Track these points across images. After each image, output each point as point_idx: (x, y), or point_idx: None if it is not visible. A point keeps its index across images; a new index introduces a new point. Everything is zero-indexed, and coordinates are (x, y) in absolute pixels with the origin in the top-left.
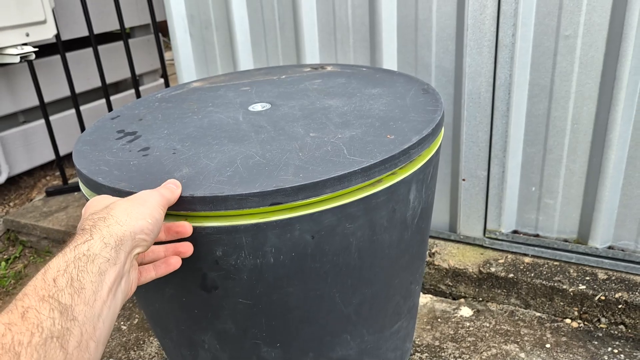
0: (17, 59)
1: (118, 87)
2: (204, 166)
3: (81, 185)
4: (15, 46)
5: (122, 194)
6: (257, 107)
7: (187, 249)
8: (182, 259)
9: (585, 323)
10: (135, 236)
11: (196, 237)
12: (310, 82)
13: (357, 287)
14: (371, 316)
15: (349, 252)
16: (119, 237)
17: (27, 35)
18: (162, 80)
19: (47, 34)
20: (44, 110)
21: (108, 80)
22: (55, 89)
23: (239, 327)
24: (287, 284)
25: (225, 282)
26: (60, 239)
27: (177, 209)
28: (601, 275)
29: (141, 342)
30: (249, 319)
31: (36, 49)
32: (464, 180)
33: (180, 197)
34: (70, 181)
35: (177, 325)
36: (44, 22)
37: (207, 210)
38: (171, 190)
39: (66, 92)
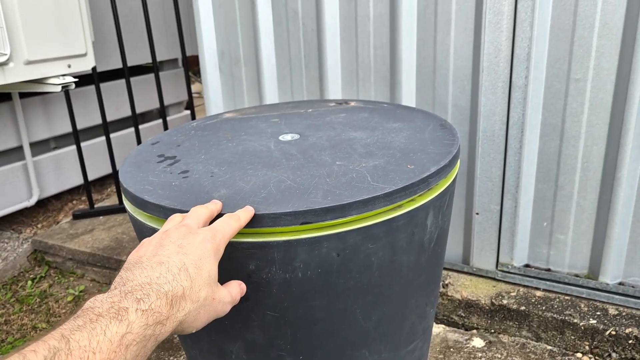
0: (58, 88)
1: (144, 117)
2: (240, 188)
3: (126, 203)
4: (57, 76)
5: (166, 210)
6: (287, 137)
7: None
8: (218, 272)
9: (596, 357)
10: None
11: (232, 251)
12: (335, 115)
13: (376, 304)
14: (388, 333)
15: (371, 271)
16: (136, 333)
17: (69, 66)
18: (186, 112)
19: (87, 65)
20: (76, 137)
21: (137, 111)
22: (86, 117)
23: (266, 338)
24: (312, 298)
25: (256, 294)
26: (86, 261)
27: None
28: (612, 310)
29: None
30: (276, 330)
31: (76, 80)
32: (477, 214)
33: (221, 214)
34: (96, 205)
35: (208, 335)
36: (84, 55)
37: (244, 227)
38: (235, 224)
39: (95, 121)
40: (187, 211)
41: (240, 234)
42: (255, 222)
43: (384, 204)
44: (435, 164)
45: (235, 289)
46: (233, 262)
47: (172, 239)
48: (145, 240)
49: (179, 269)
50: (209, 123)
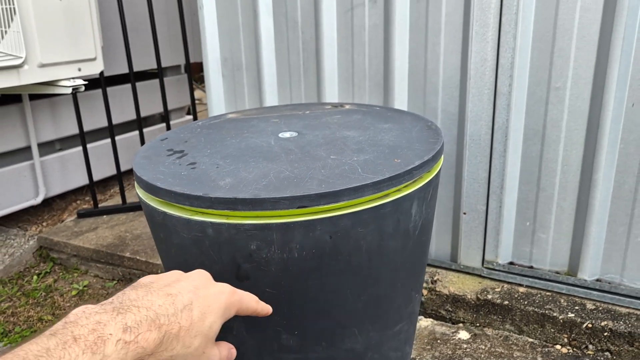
0: (69, 90)
1: (147, 121)
2: (243, 177)
3: (139, 190)
4: (68, 79)
5: (176, 195)
6: (286, 134)
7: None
8: (222, 253)
9: (574, 349)
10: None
11: (235, 233)
12: (331, 117)
13: (365, 285)
14: (376, 314)
15: (360, 253)
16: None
17: (79, 70)
18: (187, 117)
19: (96, 69)
20: (82, 139)
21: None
22: (91, 120)
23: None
24: (307, 277)
25: (256, 273)
26: (89, 257)
27: (222, 208)
28: (589, 305)
29: None
30: (273, 307)
31: (86, 82)
32: (464, 214)
33: (225, 198)
34: (100, 205)
35: None
36: (94, 59)
37: (246, 210)
38: (255, 304)
39: (100, 124)
40: (195, 196)
41: (242, 216)
42: (257, 205)
43: (372, 192)
44: (419, 159)
45: (225, 352)
46: (236, 242)
47: (191, 279)
48: (172, 272)
49: (184, 306)
50: (214, 122)
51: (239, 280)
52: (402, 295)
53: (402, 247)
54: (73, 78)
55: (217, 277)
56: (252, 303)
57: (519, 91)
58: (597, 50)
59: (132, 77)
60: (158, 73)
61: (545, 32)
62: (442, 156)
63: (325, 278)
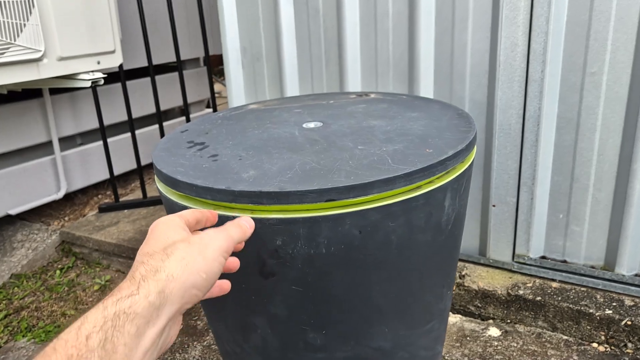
0: (88, 84)
1: (166, 115)
2: (267, 169)
3: (159, 184)
4: (87, 72)
5: (198, 189)
6: (310, 125)
7: (234, 265)
8: (247, 248)
9: (612, 347)
10: (186, 292)
11: (260, 227)
12: (355, 106)
13: (394, 280)
14: (405, 310)
15: (389, 248)
16: (166, 296)
17: (98, 63)
18: (207, 110)
19: (115, 62)
20: (103, 133)
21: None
22: (112, 114)
23: (289, 312)
24: (334, 273)
25: (282, 269)
26: (111, 252)
27: (246, 202)
28: (628, 301)
29: (186, 346)
30: (299, 305)
31: (105, 75)
32: (494, 206)
33: (249, 191)
34: (121, 199)
35: (233, 310)
36: (113, 52)
37: (271, 204)
38: (243, 229)
39: (119, 118)
40: (218, 189)
41: (268, 210)
42: (283, 199)
43: (404, 184)
44: (452, 148)
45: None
46: (261, 237)
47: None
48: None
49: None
50: (235, 113)
51: (263, 277)
52: (432, 292)
53: (433, 241)
54: (92, 71)
55: (240, 274)
56: (237, 239)
57: (551, 77)
58: (637, 33)
59: (152, 70)
60: (177, 66)
61: (581, 14)
62: (475, 146)
63: (353, 274)
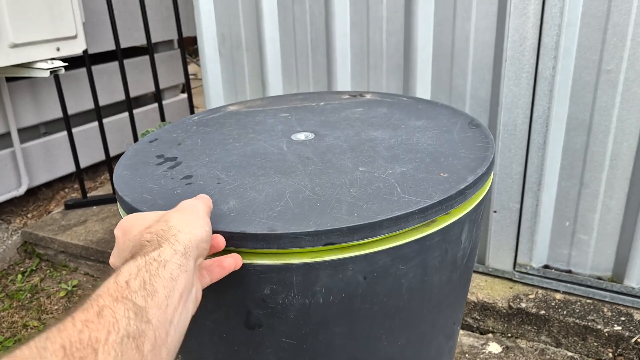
0: (47, 73)
1: (139, 101)
2: (251, 199)
3: (122, 213)
4: (45, 60)
5: None
6: (301, 136)
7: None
8: (228, 296)
9: None
10: (199, 245)
11: (244, 274)
12: (351, 110)
13: (404, 328)
14: (414, 357)
15: (400, 294)
16: (186, 245)
17: (58, 49)
18: (183, 96)
19: (77, 48)
20: (67, 123)
21: (130, 94)
22: (77, 101)
23: None
24: (334, 324)
25: (271, 320)
26: (78, 254)
27: (228, 245)
28: (637, 316)
29: None
30: (293, 358)
31: (66, 64)
32: (495, 212)
33: (232, 233)
34: (89, 194)
35: None
36: (74, 37)
37: (258, 247)
38: (207, 199)
39: (88, 105)
40: None
41: (254, 254)
42: (272, 243)
43: (419, 221)
44: (471, 172)
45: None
46: (244, 285)
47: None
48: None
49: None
50: (212, 117)
51: (248, 328)
52: (444, 331)
53: (447, 280)
54: (51, 59)
55: (221, 324)
56: (209, 206)
57: (563, 75)
58: None
59: (120, 55)
60: (148, 49)
61: (598, 5)
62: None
63: (357, 324)
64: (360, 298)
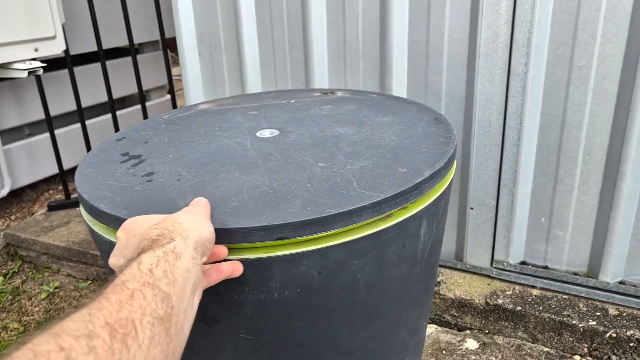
0: (24, 74)
1: (125, 102)
2: (209, 195)
3: (82, 212)
4: (23, 61)
5: (123, 222)
6: (266, 133)
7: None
8: None
9: None
10: (205, 243)
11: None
12: (319, 107)
13: (363, 323)
14: (378, 352)
15: (357, 288)
16: (195, 241)
17: (36, 50)
18: (169, 97)
19: (56, 49)
20: (49, 124)
21: (115, 95)
22: (62, 102)
23: None
24: (291, 320)
25: (228, 315)
26: (60, 255)
27: None
28: (612, 311)
29: None
30: (252, 354)
31: (44, 64)
32: (471, 209)
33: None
34: (72, 196)
35: None
36: (53, 37)
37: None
38: (206, 204)
39: (73, 106)
40: None
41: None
42: (224, 236)
43: (372, 215)
44: (429, 167)
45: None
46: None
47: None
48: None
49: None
50: (182, 116)
51: (206, 324)
52: (407, 326)
53: (407, 275)
54: (29, 60)
55: None
56: (209, 213)
57: (536, 71)
58: (630, 22)
59: (102, 55)
60: (130, 49)
61: (569, 1)
62: (455, 160)
63: (315, 319)
64: (317, 293)
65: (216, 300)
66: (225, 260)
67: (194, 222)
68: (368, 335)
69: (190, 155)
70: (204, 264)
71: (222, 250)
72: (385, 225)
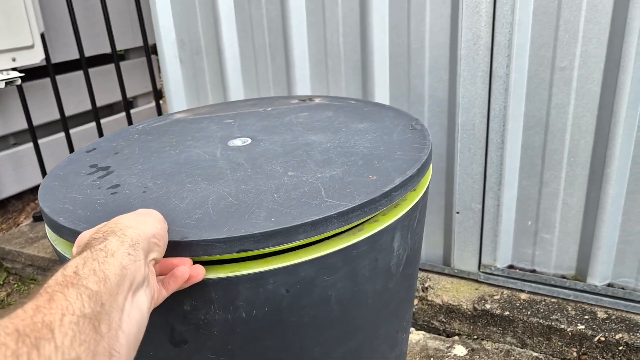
0: (2, 85)
1: (113, 109)
2: (173, 207)
3: (46, 226)
4: (0, 71)
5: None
6: (237, 142)
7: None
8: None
9: None
10: (149, 240)
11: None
12: (295, 115)
13: (339, 339)
14: None
15: (329, 305)
16: (134, 238)
17: (14, 60)
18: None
19: (34, 58)
20: (32, 133)
21: (102, 102)
22: (47, 111)
23: None
24: (262, 339)
25: (195, 336)
26: (46, 267)
27: None
28: (601, 314)
29: None
30: None
31: (22, 74)
32: (458, 213)
33: None
34: None
35: None
36: (31, 46)
37: (172, 256)
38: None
39: (57, 115)
40: None
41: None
42: (184, 249)
43: (339, 225)
44: (400, 174)
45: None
46: (164, 301)
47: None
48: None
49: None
50: (156, 125)
51: (173, 345)
52: (387, 341)
53: (382, 289)
54: (7, 70)
55: (146, 341)
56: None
57: (518, 73)
58: (611, 23)
59: (84, 62)
60: (112, 55)
61: (549, 2)
62: (431, 166)
63: (286, 337)
64: (286, 311)
65: (182, 321)
66: None
67: (136, 220)
68: (345, 351)
69: (159, 166)
70: (161, 271)
71: (183, 261)
72: (355, 239)
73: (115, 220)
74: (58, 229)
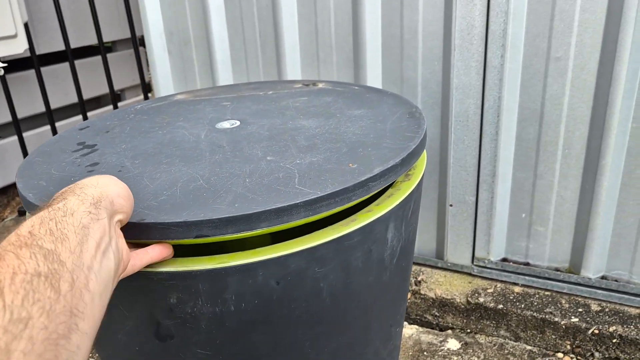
0: None
1: (100, 101)
2: (142, 187)
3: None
4: None
5: None
6: (225, 124)
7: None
8: (136, 306)
9: (579, 357)
10: (113, 199)
11: (148, 282)
12: (294, 99)
13: (331, 333)
14: None
15: (320, 298)
16: (96, 197)
17: None
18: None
19: (17, 49)
20: (16, 126)
21: (89, 95)
22: (33, 103)
23: None
24: (251, 332)
25: (182, 330)
26: None
27: None
28: (594, 306)
29: None
30: None
31: (5, 64)
32: (451, 205)
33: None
34: None
35: None
36: (14, 36)
37: (128, 238)
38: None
39: (43, 108)
40: None
41: (157, 262)
42: (142, 231)
43: (305, 215)
44: (381, 163)
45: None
46: (150, 295)
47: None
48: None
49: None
50: (155, 106)
51: (159, 340)
52: (380, 335)
53: (375, 281)
54: None
55: (133, 336)
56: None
57: (512, 63)
58: (607, 12)
59: (70, 54)
60: (99, 47)
61: None
62: (425, 156)
63: (276, 331)
64: (276, 304)
65: (168, 315)
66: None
67: (98, 180)
68: (337, 345)
69: (142, 146)
70: (135, 245)
71: (169, 251)
72: (348, 229)
73: (77, 182)
74: (28, 206)
